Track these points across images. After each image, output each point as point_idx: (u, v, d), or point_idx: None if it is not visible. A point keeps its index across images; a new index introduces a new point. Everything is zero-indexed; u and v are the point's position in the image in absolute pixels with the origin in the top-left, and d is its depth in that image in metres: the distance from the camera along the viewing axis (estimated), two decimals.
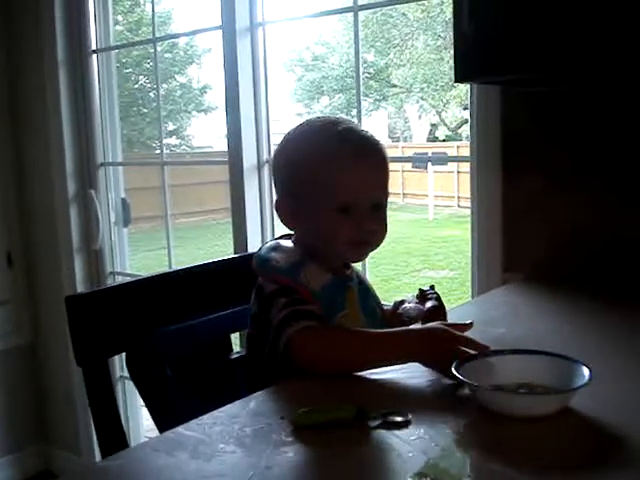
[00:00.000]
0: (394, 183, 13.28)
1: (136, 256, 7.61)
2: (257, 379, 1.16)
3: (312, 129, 1.23)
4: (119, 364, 2.85)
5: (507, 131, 1.77)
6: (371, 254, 1.31)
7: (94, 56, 2.82)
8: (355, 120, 2.14)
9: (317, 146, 1.19)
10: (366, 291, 1.30)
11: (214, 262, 1.50)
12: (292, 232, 1.27)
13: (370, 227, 1.18)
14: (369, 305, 1.29)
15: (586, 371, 0.89)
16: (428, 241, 10.44)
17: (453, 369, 0.92)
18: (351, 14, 2.17)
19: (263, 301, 1.16)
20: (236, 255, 1.72)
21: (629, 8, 1.18)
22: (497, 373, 0.94)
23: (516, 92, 1.71)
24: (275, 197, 1.28)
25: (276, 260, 1.18)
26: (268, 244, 1.25)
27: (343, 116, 1.47)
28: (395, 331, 1.10)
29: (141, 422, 3.03)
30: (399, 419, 0.89)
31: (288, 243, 1.24)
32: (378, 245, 1.24)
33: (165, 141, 13.62)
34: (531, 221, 1.75)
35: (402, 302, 1.35)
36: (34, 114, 2.90)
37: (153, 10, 2.84)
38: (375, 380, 1.03)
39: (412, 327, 1.12)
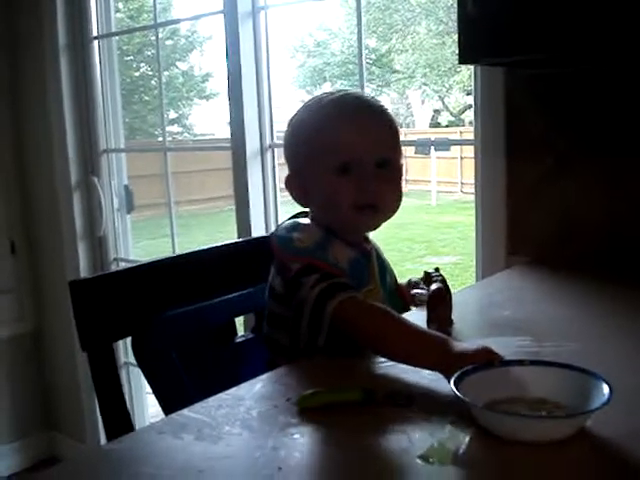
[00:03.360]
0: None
1: (139, 243, 7.61)
2: (281, 357, 1.15)
3: (310, 103, 1.23)
4: (123, 350, 2.86)
5: (511, 114, 1.76)
6: (374, 239, 1.30)
7: (95, 42, 2.80)
8: None
9: (314, 115, 1.19)
10: (384, 266, 1.30)
11: (219, 246, 1.49)
12: (307, 210, 1.26)
13: (372, 185, 1.14)
14: (387, 281, 1.29)
15: (606, 389, 0.78)
16: (431, 227, 10.43)
17: (452, 382, 0.82)
18: None
19: (289, 281, 1.13)
20: (241, 239, 1.71)
21: None
22: (510, 385, 0.85)
23: (520, 74, 1.70)
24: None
25: (300, 240, 1.15)
26: (286, 223, 1.23)
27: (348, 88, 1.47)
28: (437, 339, 0.99)
29: (146, 409, 3.03)
30: (406, 401, 0.89)
31: (306, 221, 1.23)
32: (389, 210, 1.20)
33: (167, 129, 13.61)
34: (535, 204, 1.74)
35: (417, 284, 1.35)
36: (36, 101, 2.89)
37: None
38: (382, 362, 1.03)
39: (457, 345, 0.96)
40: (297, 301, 1.11)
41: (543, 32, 1.26)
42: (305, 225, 1.21)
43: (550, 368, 0.87)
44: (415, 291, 1.34)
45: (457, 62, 1.42)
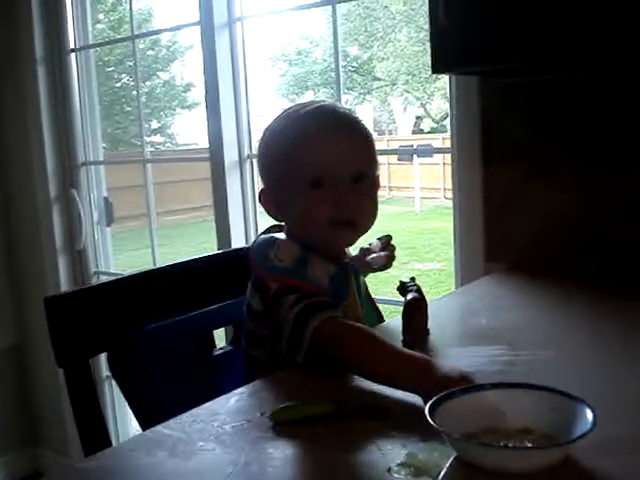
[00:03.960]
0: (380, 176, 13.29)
1: (122, 255, 7.58)
2: (258, 373, 1.13)
3: (283, 116, 1.22)
4: (106, 363, 2.83)
5: (487, 122, 1.76)
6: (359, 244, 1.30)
7: (73, 55, 2.79)
8: None
9: (288, 129, 1.18)
10: (357, 276, 1.29)
11: (195, 259, 1.49)
12: (281, 223, 1.25)
13: (348, 200, 1.13)
14: (362, 290, 1.30)
15: (589, 414, 0.74)
16: (415, 233, 10.45)
17: (427, 410, 0.77)
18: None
19: (268, 301, 1.12)
20: (218, 252, 1.71)
21: None
22: (490, 413, 0.80)
23: (495, 82, 1.71)
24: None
25: (278, 258, 1.14)
26: (262, 238, 1.22)
27: (322, 98, 1.46)
28: (418, 361, 0.96)
29: (130, 421, 3.01)
30: (380, 414, 0.88)
31: (283, 236, 1.21)
32: (366, 225, 1.19)
33: (149, 139, 13.59)
34: (513, 211, 1.75)
35: (368, 250, 1.36)
36: (13, 114, 2.87)
37: (131, 8, 2.83)
38: (354, 375, 1.02)
39: (440, 368, 0.92)
40: (276, 321, 1.10)
41: (513, 42, 1.27)
42: (282, 241, 1.19)
43: (530, 391, 0.82)
44: (370, 257, 1.34)
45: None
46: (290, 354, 1.07)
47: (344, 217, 1.14)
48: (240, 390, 1.02)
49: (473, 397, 0.82)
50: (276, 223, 1.26)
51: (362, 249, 1.38)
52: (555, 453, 0.74)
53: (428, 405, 0.78)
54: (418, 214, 12.46)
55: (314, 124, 1.16)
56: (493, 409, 0.80)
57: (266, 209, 1.23)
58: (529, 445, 0.76)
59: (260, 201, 1.24)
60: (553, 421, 0.78)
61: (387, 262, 1.35)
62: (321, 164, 1.13)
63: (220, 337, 1.54)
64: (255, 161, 2.36)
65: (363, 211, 1.17)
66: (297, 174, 1.14)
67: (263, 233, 1.25)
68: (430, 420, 0.75)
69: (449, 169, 1.92)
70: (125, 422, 2.99)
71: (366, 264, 1.34)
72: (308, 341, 1.04)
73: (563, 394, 0.79)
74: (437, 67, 1.39)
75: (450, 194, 1.97)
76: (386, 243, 1.38)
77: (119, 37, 8.94)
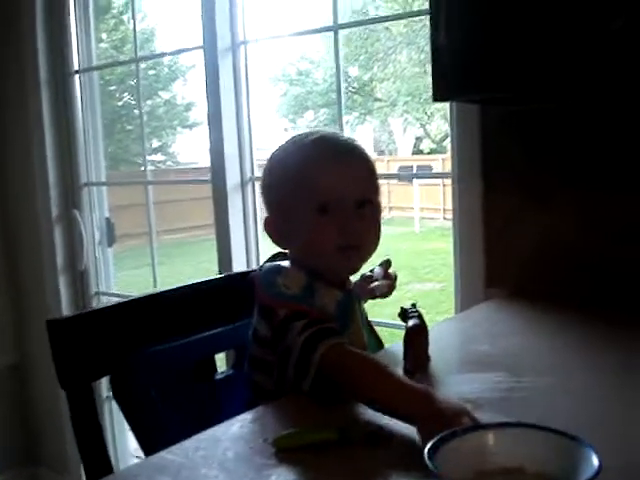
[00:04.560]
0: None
1: (122, 274, 7.57)
2: (263, 400, 1.12)
3: (288, 144, 1.24)
4: (106, 384, 2.84)
5: (487, 147, 1.78)
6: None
7: (76, 76, 2.82)
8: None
9: (292, 157, 1.21)
10: (360, 303, 1.31)
11: (197, 283, 1.49)
12: (285, 251, 1.27)
13: (354, 226, 1.15)
14: (364, 316, 1.31)
15: (595, 459, 0.69)
16: (415, 254, 10.45)
17: (426, 452, 0.72)
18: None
19: (276, 327, 1.12)
20: (220, 276, 1.72)
21: (603, 28, 1.20)
22: (486, 453, 0.76)
23: (494, 111, 1.72)
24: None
25: (285, 286, 1.15)
26: (268, 266, 1.23)
27: (324, 128, 1.49)
28: (418, 393, 0.94)
29: (129, 442, 3.01)
30: (384, 442, 0.89)
31: (288, 264, 1.23)
32: (369, 249, 1.21)
33: (150, 158, 13.59)
34: (513, 236, 1.76)
35: (370, 277, 1.37)
36: (17, 136, 2.89)
37: (134, 30, 2.85)
38: (359, 403, 1.03)
39: (438, 401, 0.91)
40: (284, 347, 1.10)
41: (508, 72, 1.29)
42: (288, 269, 1.20)
43: (532, 431, 0.77)
44: (374, 284, 1.35)
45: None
46: (297, 380, 1.08)
47: (350, 243, 1.16)
48: (243, 416, 1.02)
49: (472, 437, 0.78)
50: (281, 250, 1.28)
51: (363, 276, 1.40)
52: None
53: (427, 447, 0.74)
54: (418, 234, 12.47)
55: (317, 151, 1.19)
56: (492, 449, 0.77)
57: (271, 237, 1.24)
58: None
59: (265, 229, 1.25)
60: (554, 463, 0.73)
61: (389, 290, 1.37)
62: (327, 190, 1.15)
63: (220, 360, 1.54)
64: (257, 183, 2.38)
65: (368, 236, 1.20)
66: (302, 200, 1.16)
67: (268, 260, 1.27)
68: (428, 462, 0.71)
69: (449, 190, 1.94)
70: (123, 441, 2.98)
71: (368, 291, 1.35)
72: (315, 367, 1.05)
73: (566, 436, 0.75)
74: (438, 95, 1.41)
75: (450, 215, 1.98)
76: (386, 268, 1.40)
77: (122, 59, 9.00)
